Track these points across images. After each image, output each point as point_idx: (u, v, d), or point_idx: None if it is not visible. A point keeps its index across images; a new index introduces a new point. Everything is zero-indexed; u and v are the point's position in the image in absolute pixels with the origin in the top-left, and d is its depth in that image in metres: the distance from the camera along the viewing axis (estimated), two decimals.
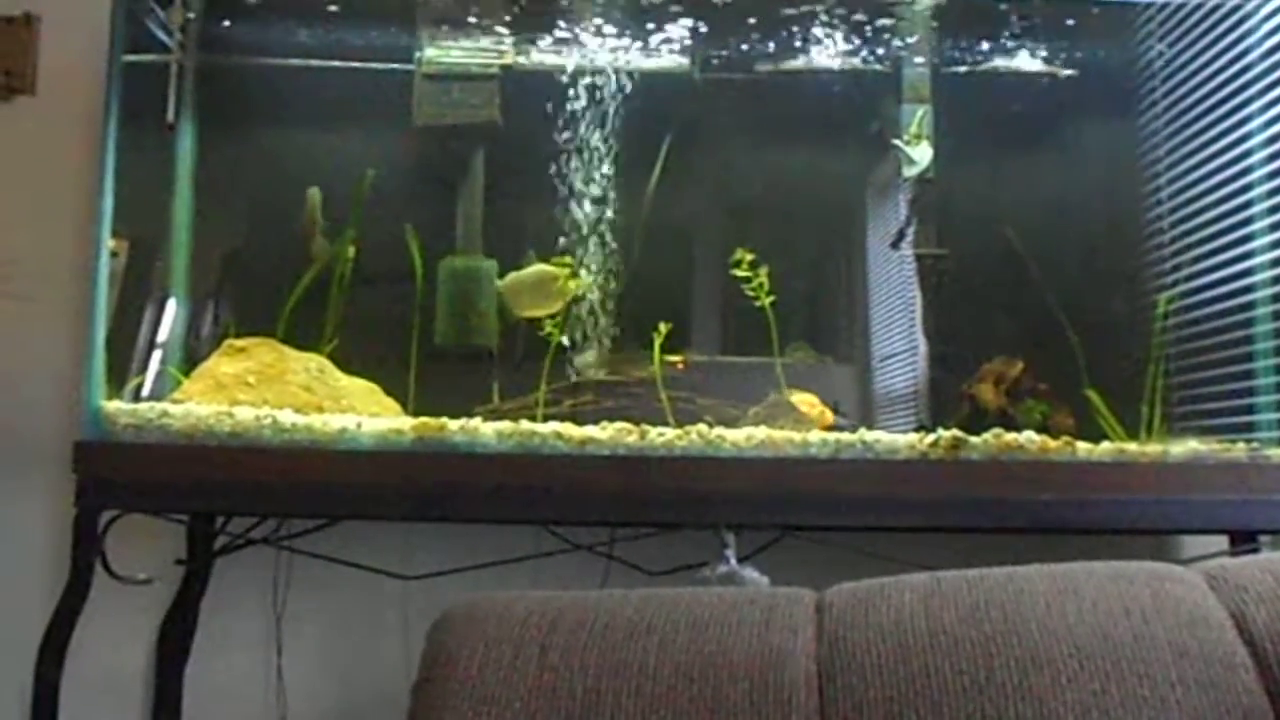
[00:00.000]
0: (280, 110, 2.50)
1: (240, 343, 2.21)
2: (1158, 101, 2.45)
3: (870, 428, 2.14)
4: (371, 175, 2.38)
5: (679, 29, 2.47)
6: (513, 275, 2.38)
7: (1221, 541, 2.14)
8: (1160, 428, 2.23)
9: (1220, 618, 1.33)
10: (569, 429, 2.03)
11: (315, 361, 2.22)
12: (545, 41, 2.49)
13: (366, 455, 1.98)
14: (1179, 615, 1.33)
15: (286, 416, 2.02)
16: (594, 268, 2.44)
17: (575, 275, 2.36)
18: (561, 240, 2.43)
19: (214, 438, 1.98)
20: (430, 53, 2.47)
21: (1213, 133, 2.31)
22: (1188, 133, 2.38)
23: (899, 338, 2.55)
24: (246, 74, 2.51)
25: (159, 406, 2.04)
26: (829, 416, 2.26)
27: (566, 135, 2.47)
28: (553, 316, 2.30)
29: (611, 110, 2.48)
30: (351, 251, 2.36)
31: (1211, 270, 2.29)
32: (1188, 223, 2.36)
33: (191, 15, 2.45)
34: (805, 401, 2.28)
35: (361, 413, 2.13)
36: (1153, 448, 2.06)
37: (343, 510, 2.04)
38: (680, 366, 2.36)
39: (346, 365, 2.27)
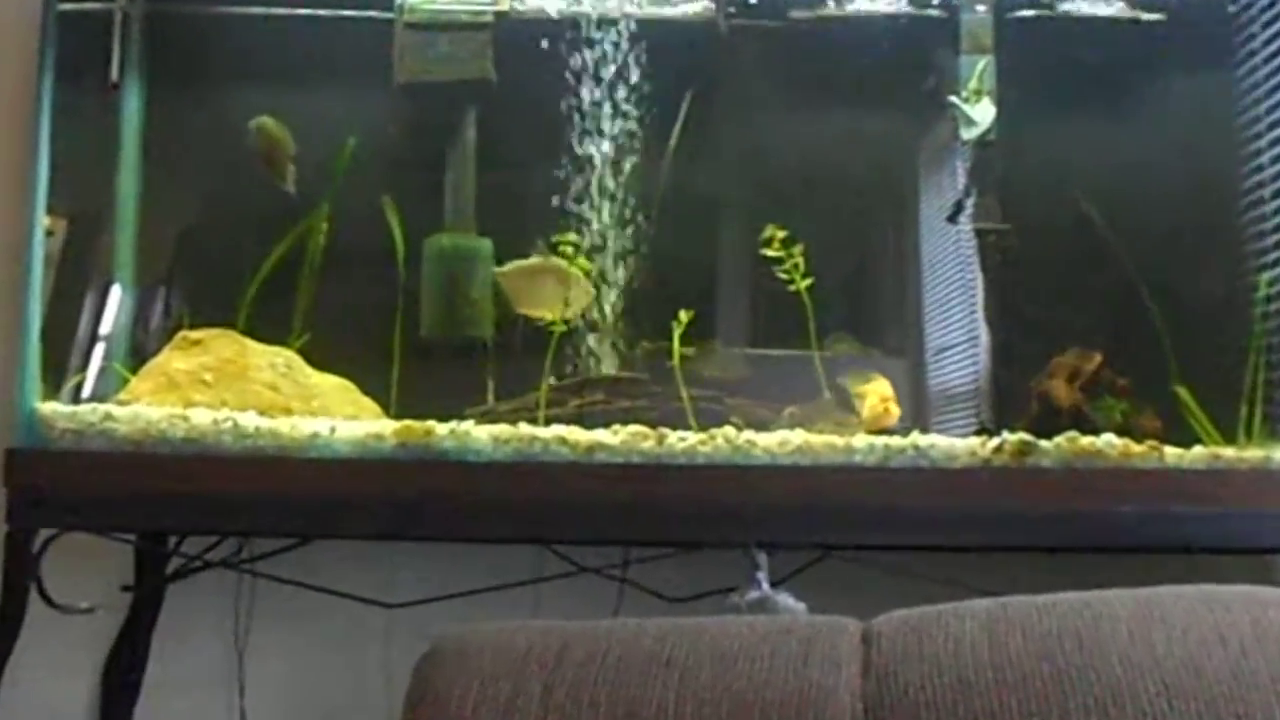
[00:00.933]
0: (241, 67, 2.50)
1: (196, 335, 2.22)
2: (1258, 50, 2.44)
3: (924, 431, 2.14)
4: (353, 144, 2.39)
5: None
6: (516, 264, 2.37)
7: None
8: (1261, 429, 2.22)
9: None
10: (575, 433, 2.03)
11: (282, 356, 2.23)
12: None
13: (342, 464, 1.98)
14: None
15: (249, 420, 2.03)
16: (603, 246, 2.44)
17: (583, 254, 2.36)
18: (562, 211, 2.43)
19: (166, 444, 1.98)
20: None
21: None
22: None
23: (957, 327, 2.55)
24: (202, 25, 2.51)
25: (102, 408, 2.05)
26: (894, 413, 2.25)
27: (571, 94, 2.47)
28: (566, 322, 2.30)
29: (623, 65, 2.48)
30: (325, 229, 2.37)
31: None
32: None
33: None
34: (875, 391, 2.27)
35: (336, 415, 2.14)
36: (1253, 453, 2.05)
37: (314, 528, 2.05)
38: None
39: (318, 360, 2.27)
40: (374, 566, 2.36)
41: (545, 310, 2.30)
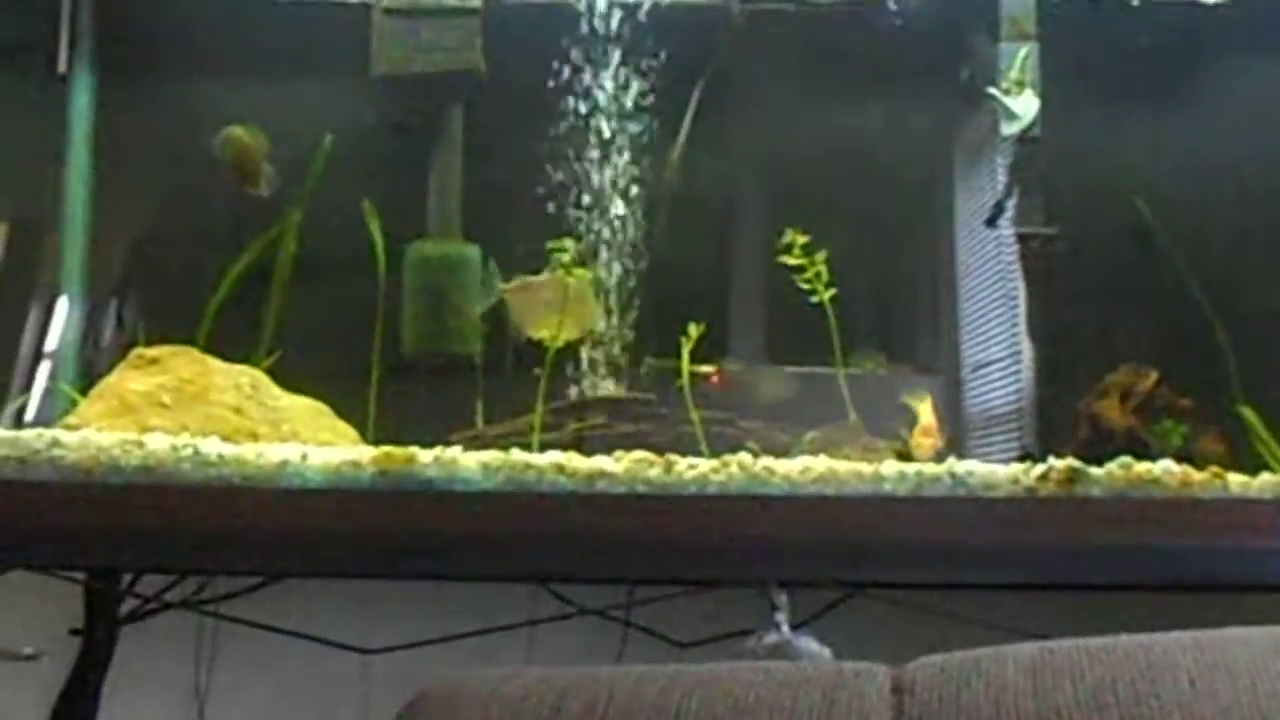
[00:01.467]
0: (204, 57, 2.51)
1: (152, 352, 2.21)
2: None
3: (961, 456, 2.13)
4: (330, 142, 2.39)
5: None
6: (524, 280, 2.37)
7: None
8: None
9: None
10: (574, 460, 2.02)
11: (248, 376, 2.22)
12: None
13: (314, 495, 1.97)
14: None
15: (211, 446, 2.02)
16: (605, 253, 2.44)
17: (582, 262, 2.36)
18: (558, 215, 2.43)
19: (119, 473, 1.97)
20: None
21: None
22: None
23: (997, 341, 2.55)
24: (160, 9, 2.53)
25: (48, 434, 2.04)
26: (926, 446, 2.25)
27: (569, 87, 2.47)
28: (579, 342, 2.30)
29: (626, 54, 2.48)
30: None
31: None
32: None
33: None
34: (923, 413, 2.27)
35: (308, 441, 2.13)
36: None
37: (284, 565, 2.05)
38: (715, 380, 2.36)
39: (288, 380, 2.27)
40: (349, 608, 2.36)
41: (553, 332, 2.30)
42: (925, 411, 2.30)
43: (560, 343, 2.28)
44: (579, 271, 2.33)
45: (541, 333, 2.31)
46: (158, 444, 2.00)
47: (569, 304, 2.29)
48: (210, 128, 2.40)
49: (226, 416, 2.14)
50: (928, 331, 2.67)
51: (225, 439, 2.07)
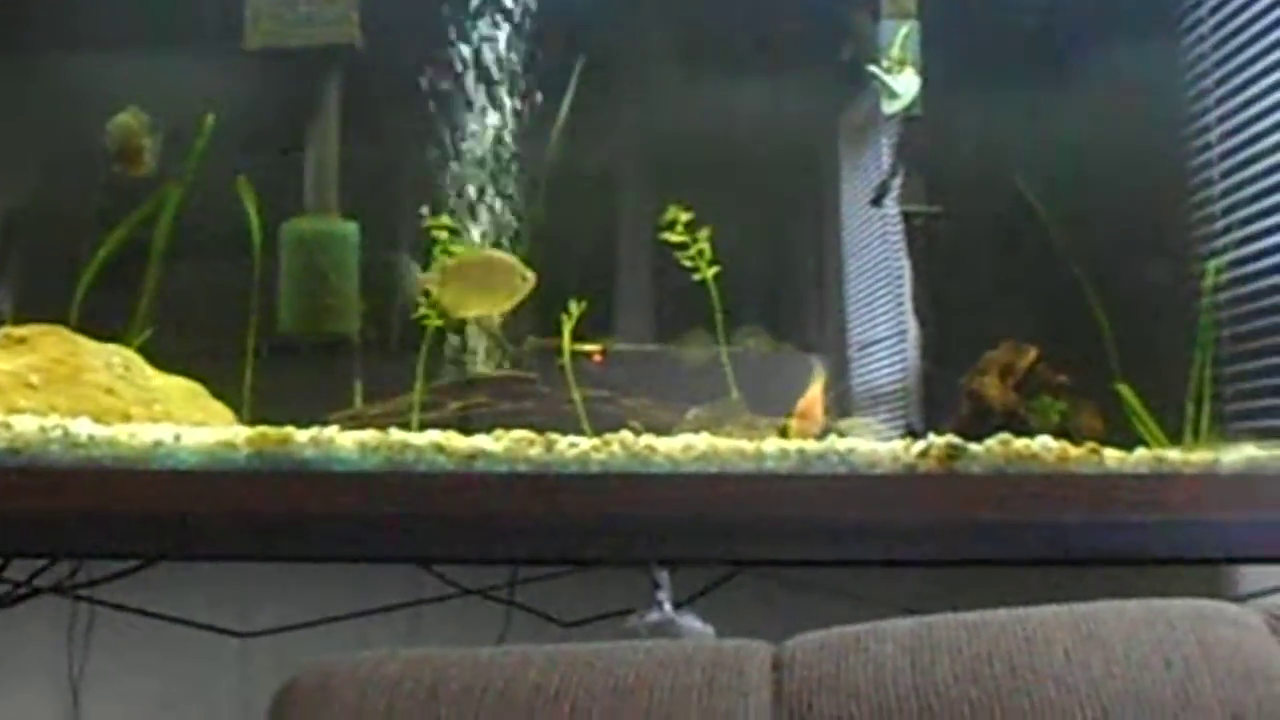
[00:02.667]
0: (75, 29, 2.47)
1: (20, 331, 2.18)
2: (1204, 18, 2.48)
3: (843, 434, 2.15)
4: (212, 121, 2.36)
5: None
6: (445, 263, 2.35)
7: None
8: (1209, 430, 2.26)
9: None
10: (453, 439, 2.02)
11: (120, 355, 2.20)
12: None
13: (188, 476, 1.95)
14: (1233, 667, 1.34)
15: (82, 427, 1.99)
16: (485, 231, 2.43)
17: (461, 240, 2.35)
18: (437, 191, 2.42)
19: None
20: None
21: (1276, 56, 2.34)
22: (1244, 56, 2.40)
23: (881, 319, 2.57)
24: None
25: None
26: (797, 429, 2.26)
27: (448, 60, 2.46)
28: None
29: (507, 26, 2.47)
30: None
31: (1274, 231, 2.32)
32: (1244, 170, 2.39)
33: None
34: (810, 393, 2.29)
35: (181, 421, 2.11)
36: (1199, 455, 2.08)
37: (158, 548, 2.02)
38: (597, 358, 2.36)
39: (162, 360, 2.24)
40: (226, 591, 2.34)
41: (485, 308, 2.29)
42: (814, 391, 2.31)
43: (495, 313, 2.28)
44: (457, 249, 2.32)
45: (474, 313, 2.30)
46: (25, 425, 1.97)
47: (493, 281, 2.28)
48: (84, 101, 2.37)
49: (97, 397, 2.11)
50: (813, 310, 2.69)
51: (96, 420, 2.04)
